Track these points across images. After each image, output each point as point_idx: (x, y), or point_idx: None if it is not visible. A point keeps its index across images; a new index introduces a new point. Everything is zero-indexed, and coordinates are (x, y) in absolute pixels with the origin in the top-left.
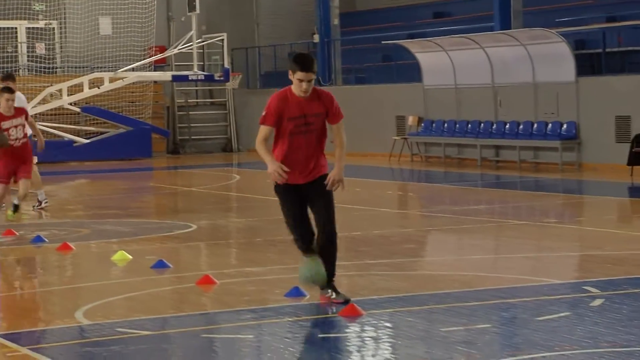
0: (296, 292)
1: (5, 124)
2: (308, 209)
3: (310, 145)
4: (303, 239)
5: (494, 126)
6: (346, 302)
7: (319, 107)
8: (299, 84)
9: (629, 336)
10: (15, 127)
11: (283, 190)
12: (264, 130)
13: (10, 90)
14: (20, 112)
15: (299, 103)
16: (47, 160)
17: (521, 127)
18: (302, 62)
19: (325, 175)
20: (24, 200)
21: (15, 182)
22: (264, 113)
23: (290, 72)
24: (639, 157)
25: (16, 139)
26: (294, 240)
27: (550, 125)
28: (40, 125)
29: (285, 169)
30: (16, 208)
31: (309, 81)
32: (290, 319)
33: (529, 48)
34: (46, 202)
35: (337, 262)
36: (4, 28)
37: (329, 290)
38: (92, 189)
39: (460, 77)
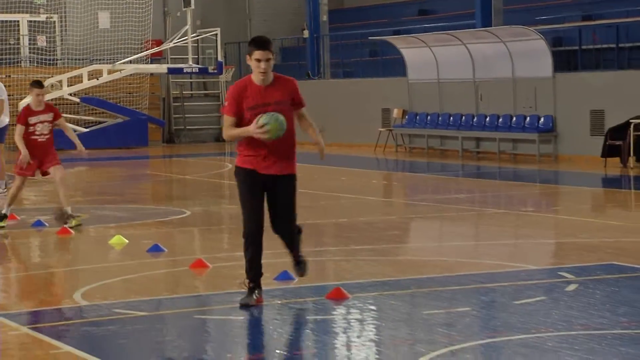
0: (285, 276)
1: (32, 119)
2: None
3: None
4: (251, 228)
5: (475, 119)
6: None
7: (282, 94)
8: (257, 64)
9: (602, 319)
10: (42, 122)
11: (244, 175)
12: (227, 119)
13: (40, 85)
14: (51, 109)
15: (258, 91)
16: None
17: (501, 120)
18: (258, 41)
19: (292, 176)
20: (63, 183)
21: (42, 174)
22: (226, 103)
23: (248, 57)
24: (612, 149)
25: (41, 134)
26: (243, 228)
27: (528, 118)
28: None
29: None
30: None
31: (267, 60)
32: (279, 302)
33: (509, 45)
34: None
35: (324, 248)
36: (6, 21)
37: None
38: (90, 176)
39: (443, 72)
